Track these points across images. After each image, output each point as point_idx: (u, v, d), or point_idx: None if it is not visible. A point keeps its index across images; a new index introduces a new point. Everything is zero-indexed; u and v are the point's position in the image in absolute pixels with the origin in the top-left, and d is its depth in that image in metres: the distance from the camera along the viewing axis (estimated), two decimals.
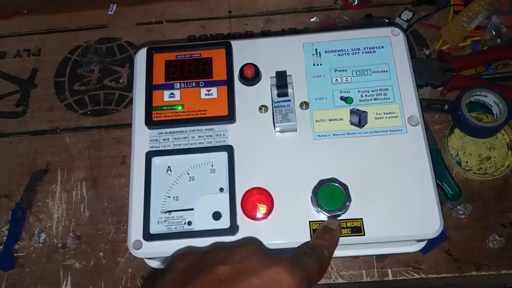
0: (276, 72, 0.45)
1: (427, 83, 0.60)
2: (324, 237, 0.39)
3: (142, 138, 0.46)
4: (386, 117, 0.44)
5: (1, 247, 0.58)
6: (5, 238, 0.58)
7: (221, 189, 0.43)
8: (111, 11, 0.71)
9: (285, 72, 0.45)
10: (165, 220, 0.43)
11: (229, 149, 0.44)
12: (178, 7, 0.70)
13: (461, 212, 0.55)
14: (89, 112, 0.64)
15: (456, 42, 0.62)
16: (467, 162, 0.57)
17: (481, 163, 0.57)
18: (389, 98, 0.45)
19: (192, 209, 0.43)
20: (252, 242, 0.35)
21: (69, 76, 0.67)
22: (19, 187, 0.61)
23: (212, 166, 0.44)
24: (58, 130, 0.64)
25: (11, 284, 0.56)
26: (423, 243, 0.48)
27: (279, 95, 0.45)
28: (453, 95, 0.59)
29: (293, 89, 0.45)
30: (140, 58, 0.48)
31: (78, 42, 0.69)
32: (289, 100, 0.44)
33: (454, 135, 0.58)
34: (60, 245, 0.57)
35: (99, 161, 0.61)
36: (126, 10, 0.71)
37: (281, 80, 0.45)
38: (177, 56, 0.48)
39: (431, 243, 0.51)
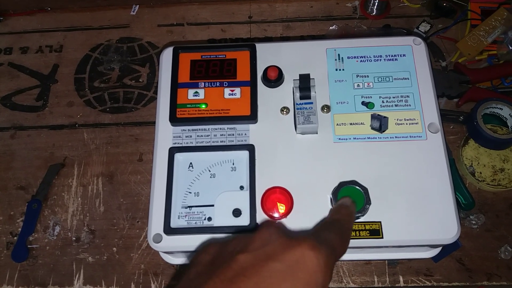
0: (300, 75, 0.46)
1: (443, 94, 0.61)
2: (340, 211, 0.38)
3: (166, 135, 0.47)
4: (407, 123, 0.45)
5: (15, 238, 0.58)
6: (20, 229, 0.58)
7: (242, 187, 0.44)
8: (133, 11, 0.72)
9: (308, 75, 0.46)
10: (186, 215, 0.43)
11: (250, 148, 0.45)
12: (199, 11, 0.72)
13: (473, 222, 0.55)
14: (108, 109, 0.65)
15: (473, 55, 0.63)
16: (480, 173, 0.57)
17: (495, 174, 0.57)
18: (410, 105, 0.45)
19: (212, 205, 0.43)
20: (271, 226, 0.34)
21: (89, 73, 0.68)
22: (35, 179, 0.61)
23: (233, 164, 0.45)
24: (77, 125, 0.65)
25: (24, 275, 0.56)
26: (437, 250, 0.49)
27: (301, 98, 0.46)
28: (468, 106, 0.60)
29: (315, 92, 0.46)
30: (166, 56, 0.49)
31: (100, 40, 0.70)
32: (311, 103, 0.45)
33: (468, 146, 0.59)
34: (74, 238, 0.58)
35: (116, 157, 0.62)
36: (148, 11, 0.72)
37: (305, 83, 0.46)
38: (203, 56, 0.49)
39: (443, 251, 0.52)
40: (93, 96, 0.66)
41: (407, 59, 0.47)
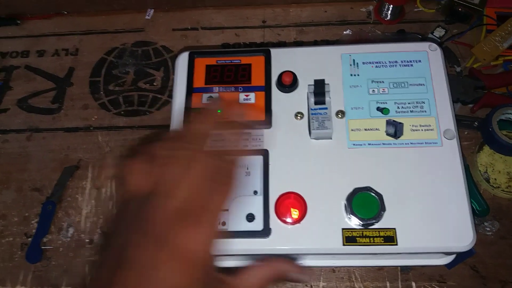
0: (315, 80, 0.46)
1: (458, 99, 0.60)
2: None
3: None
4: (422, 130, 0.45)
5: (29, 239, 0.59)
6: (34, 231, 0.59)
7: (255, 192, 0.44)
8: (148, 15, 0.73)
9: (323, 80, 0.46)
10: None
11: (264, 153, 0.45)
12: (213, 15, 0.72)
13: (488, 229, 0.55)
14: (122, 112, 0.66)
15: (488, 60, 0.62)
16: (495, 179, 0.57)
17: (510, 180, 0.57)
18: (425, 111, 0.45)
19: (226, 210, 0.44)
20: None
21: (104, 76, 0.69)
22: (50, 181, 0.62)
23: (247, 169, 0.45)
24: (91, 128, 0.65)
25: (37, 276, 0.57)
26: (452, 257, 0.48)
27: (316, 103, 0.46)
28: (483, 112, 0.60)
29: (330, 97, 0.46)
30: (182, 61, 0.50)
31: (115, 44, 0.71)
32: (326, 108, 0.45)
33: (483, 152, 0.58)
34: (87, 240, 0.58)
35: None
36: (163, 16, 0.73)
37: (319, 88, 0.46)
38: (218, 61, 0.49)
39: (457, 258, 0.51)
40: (108, 99, 0.67)
41: (423, 65, 0.47)
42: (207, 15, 0.72)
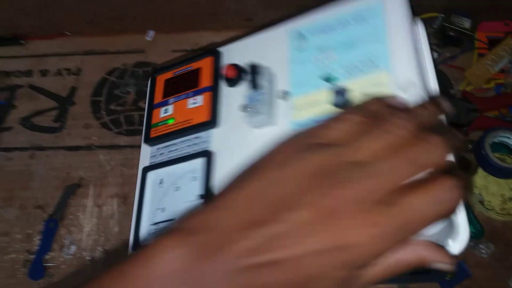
0: (250, 66, 0.43)
1: (451, 122, 0.61)
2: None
3: (145, 156, 0.48)
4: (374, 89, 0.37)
5: (32, 256, 0.60)
6: (36, 248, 0.60)
7: (202, 196, 0.42)
8: (148, 37, 0.74)
9: (255, 65, 0.43)
10: (154, 232, 0.44)
11: (206, 154, 0.43)
12: (212, 38, 0.73)
13: (483, 251, 0.55)
14: (123, 132, 0.67)
15: (480, 84, 0.64)
16: (489, 201, 0.58)
17: (504, 203, 0.58)
18: (377, 66, 0.38)
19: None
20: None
21: (106, 96, 0.70)
22: (52, 199, 0.63)
23: (193, 174, 0.43)
24: (93, 147, 0.67)
25: None
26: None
27: (253, 89, 0.42)
28: (476, 135, 0.61)
29: (270, 81, 0.43)
30: (150, 82, 0.51)
31: (116, 64, 0.73)
32: (263, 93, 0.42)
33: (477, 174, 0.59)
34: (88, 258, 0.59)
35: (131, 179, 0.64)
36: (163, 37, 0.74)
37: (253, 74, 0.43)
38: (174, 73, 0.49)
39: (453, 280, 0.52)
40: (109, 118, 0.68)
41: (378, 18, 0.39)
42: (206, 37, 0.74)
